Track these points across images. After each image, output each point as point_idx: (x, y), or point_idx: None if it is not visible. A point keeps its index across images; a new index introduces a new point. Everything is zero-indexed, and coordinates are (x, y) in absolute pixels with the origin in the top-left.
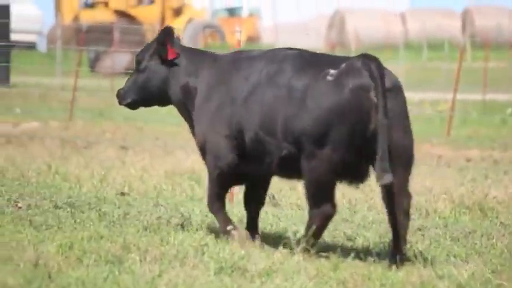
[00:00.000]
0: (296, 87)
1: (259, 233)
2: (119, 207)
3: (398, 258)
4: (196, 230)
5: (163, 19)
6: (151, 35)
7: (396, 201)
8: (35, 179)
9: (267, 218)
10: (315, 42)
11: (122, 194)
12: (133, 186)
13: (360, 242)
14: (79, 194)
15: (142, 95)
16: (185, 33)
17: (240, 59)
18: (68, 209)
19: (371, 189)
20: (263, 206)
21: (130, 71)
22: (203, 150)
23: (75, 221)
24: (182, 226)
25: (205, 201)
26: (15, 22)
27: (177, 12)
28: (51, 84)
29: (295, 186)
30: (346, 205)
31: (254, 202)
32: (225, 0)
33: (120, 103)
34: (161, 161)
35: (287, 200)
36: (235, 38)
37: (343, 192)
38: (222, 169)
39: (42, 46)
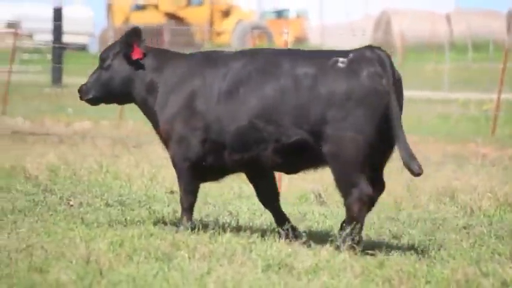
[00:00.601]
0: (302, 76)
1: (296, 228)
2: (168, 205)
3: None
4: (244, 227)
5: (212, 20)
6: (200, 36)
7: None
8: (87, 178)
9: (314, 216)
10: (361, 43)
11: (171, 192)
12: None
13: (405, 240)
14: (129, 192)
15: (104, 92)
16: (233, 35)
17: (213, 57)
18: (119, 207)
19: (416, 188)
20: (279, 197)
21: None
22: (168, 142)
23: (125, 219)
24: (230, 224)
25: (253, 199)
26: (67, 24)
27: (226, 13)
28: None
29: None
30: (392, 203)
31: (268, 197)
32: (273, 2)
33: (81, 98)
34: None
35: (333, 198)
36: (283, 39)
37: (388, 190)
38: (192, 160)
39: (93, 48)
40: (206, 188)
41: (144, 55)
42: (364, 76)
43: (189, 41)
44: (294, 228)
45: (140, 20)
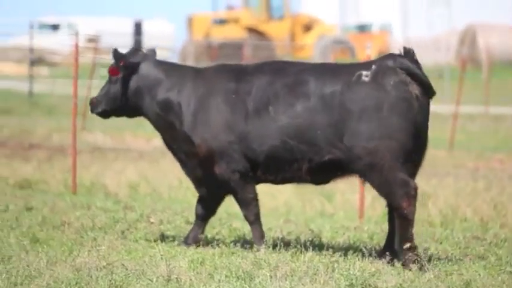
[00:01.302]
0: (330, 94)
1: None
2: None
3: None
4: (327, 246)
5: (293, 35)
6: (281, 51)
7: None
8: (167, 194)
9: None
10: (445, 58)
11: None
12: (263, 202)
13: (491, 260)
14: None
15: (113, 106)
16: (315, 49)
17: (232, 71)
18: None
19: (503, 206)
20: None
21: None
22: (210, 159)
23: (206, 237)
24: (312, 242)
25: (336, 217)
26: (148, 38)
27: (307, 27)
28: None
29: (425, 202)
30: (478, 222)
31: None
32: (356, 16)
33: (92, 111)
34: None
35: (417, 216)
36: (366, 54)
37: (474, 209)
38: (240, 171)
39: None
40: (288, 206)
41: (118, 74)
42: (389, 86)
43: (270, 56)
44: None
45: (221, 34)
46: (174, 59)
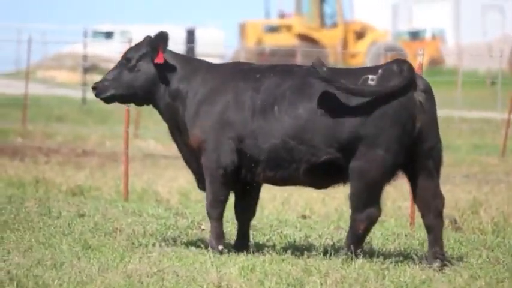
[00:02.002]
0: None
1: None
2: (300, 230)
3: (438, 262)
4: (377, 253)
5: (345, 42)
6: (333, 58)
7: (430, 203)
8: None
9: (449, 243)
10: (498, 65)
11: (303, 216)
12: (314, 209)
13: None
14: (261, 216)
15: (125, 91)
16: (367, 56)
17: (244, 70)
18: (250, 232)
19: None
20: (254, 216)
21: None
22: (201, 150)
23: (256, 244)
24: (363, 249)
25: (387, 225)
26: (200, 46)
27: (360, 35)
28: None
29: (477, 210)
30: None
31: (245, 213)
32: (409, 22)
33: (97, 95)
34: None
35: (469, 224)
36: (418, 61)
37: None
38: (225, 168)
39: None
40: (338, 213)
41: (165, 61)
42: (394, 93)
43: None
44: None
45: (273, 41)
46: None
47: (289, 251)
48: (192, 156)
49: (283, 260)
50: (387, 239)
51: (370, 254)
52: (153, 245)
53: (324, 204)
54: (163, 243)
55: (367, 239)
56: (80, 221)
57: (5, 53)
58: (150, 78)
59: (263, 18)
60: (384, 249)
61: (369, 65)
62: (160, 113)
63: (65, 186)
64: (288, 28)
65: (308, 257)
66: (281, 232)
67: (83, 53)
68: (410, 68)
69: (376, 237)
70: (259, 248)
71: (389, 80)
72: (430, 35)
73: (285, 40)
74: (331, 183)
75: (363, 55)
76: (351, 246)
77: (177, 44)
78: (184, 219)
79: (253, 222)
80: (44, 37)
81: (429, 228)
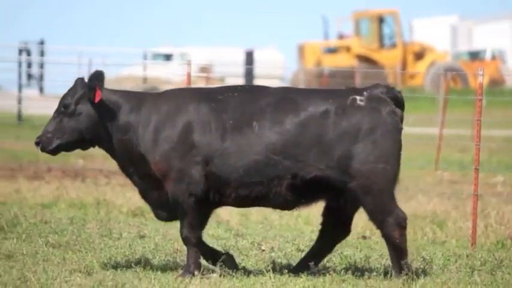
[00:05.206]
0: (321, 113)
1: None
2: (360, 251)
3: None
4: (438, 273)
5: (404, 63)
6: (392, 79)
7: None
8: (278, 222)
9: (511, 263)
10: None
11: (364, 237)
12: (374, 230)
13: None
14: None
15: (70, 138)
16: (426, 77)
17: (200, 92)
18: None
19: None
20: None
21: None
22: (167, 179)
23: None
24: (424, 270)
25: (448, 245)
26: (258, 68)
27: (419, 55)
28: None
29: None
30: None
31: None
32: (468, 43)
33: (43, 150)
34: (402, 204)
35: None
36: (478, 82)
37: None
38: (196, 195)
39: None
40: None
41: (103, 98)
42: (385, 113)
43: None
44: None
45: (332, 62)
46: None
47: (349, 272)
48: (151, 186)
49: (343, 280)
50: (448, 259)
51: (431, 275)
52: (214, 265)
53: None
54: (223, 264)
55: (428, 258)
56: (140, 242)
57: (66, 76)
58: (93, 118)
59: (322, 40)
60: (445, 270)
61: (429, 86)
62: (110, 150)
63: (125, 208)
64: (347, 49)
65: (369, 277)
66: (341, 253)
67: (142, 75)
68: (399, 93)
69: (437, 257)
70: (320, 268)
71: (378, 103)
72: (490, 56)
73: (343, 61)
74: (305, 203)
75: (422, 76)
76: (402, 262)
77: (236, 66)
78: (244, 240)
79: (313, 243)
80: (104, 60)
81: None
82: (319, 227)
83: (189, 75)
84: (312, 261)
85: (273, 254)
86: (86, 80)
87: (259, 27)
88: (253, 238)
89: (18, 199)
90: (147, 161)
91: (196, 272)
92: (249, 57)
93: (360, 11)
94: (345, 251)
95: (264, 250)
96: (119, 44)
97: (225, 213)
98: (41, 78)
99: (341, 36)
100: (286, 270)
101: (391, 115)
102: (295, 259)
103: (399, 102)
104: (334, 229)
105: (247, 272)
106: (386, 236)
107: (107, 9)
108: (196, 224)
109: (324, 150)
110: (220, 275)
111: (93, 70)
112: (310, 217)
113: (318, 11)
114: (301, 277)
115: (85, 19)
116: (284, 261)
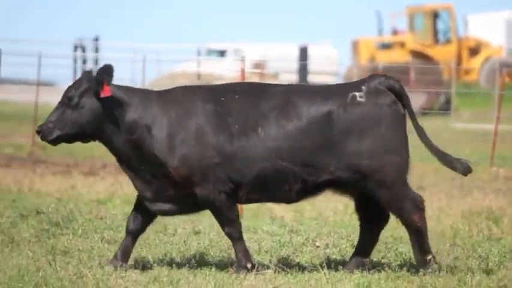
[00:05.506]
0: (325, 115)
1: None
2: None
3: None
4: (494, 271)
5: (459, 58)
6: (447, 75)
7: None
8: (332, 219)
9: None
10: None
11: None
12: (430, 226)
13: None
14: None
15: (71, 130)
16: (481, 73)
17: (205, 92)
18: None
19: None
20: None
21: (426, 111)
22: (191, 182)
23: (371, 261)
24: (480, 267)
25: (504, 242)
26: (312, 63)
27: (474, 51)
28: None
29: None
30: None
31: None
32: None
33: (43, 138)
34: (458, 201)
35: None
36: None
37: None
38: (225, 191)
39: None
40: (454, 230)
41: (112, 93)
42: (385, 106)
43: (436, 80)
44: None
45: (386, 58)
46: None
47: (404, 269)
48: (167, 184)
49: (398, 277)
50: (504, 256)
51: (487, 272)
52: (268, 261)
53: (439, 221)
54: (278, 260)
55: (484, 255)
56: (195, 238)
57: (120, 72)
58: (96, 113)
59: (376, 35)
60: (501, 267)
61: (484, 81)
62: (113, 147)
63: None
64: (401, 45)
65: (424, 274)
66: (396, 249)
67: (196, 72)
68: (399, 82)
69: (493, 254)
70: (375, 265)
71: (377, 96)
72: None
73: (398, 57)
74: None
75: (477, 71)
76: (426, 250)
77: (290, 62)
78: (299, 236)
79: None
80: (157, 56)
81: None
82: (358, 222)
83: (243, 71)
84: (362, 256)
85: (327, 251)
86: (94, 73)
87: (313, 23)
88: (308, 234)
89: (74, 195)
90: (162, 162)
91: (249, 265)
92: (303, 53)
93: (414, 6)
94: (400, 247)
95: (318, 246)
96: (173, 40)
97: (279, 210)
98: None
99: (395, 32)
100: (341, 267)
101: (392, 106)
102: (349, 255)
103: (396, 92)
104: (372, 219)
105: (301, 268)
106: (406, 222)
107: (161, 6)
108: (233, 217)
109: (331, 152)
110: (274, 271)
111: (144, 66)
112: None
113: (372, 7)
114: (356, 273)
115: (139, 15)
116: (339, 258)
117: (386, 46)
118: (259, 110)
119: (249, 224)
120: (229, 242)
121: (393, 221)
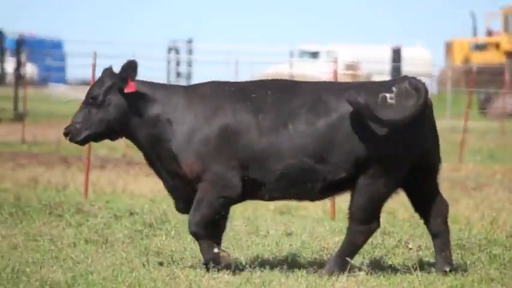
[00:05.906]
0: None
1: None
2: (509, 250)
3: (448, 266)
4: None
5: None
6: None
7: (436, 209)
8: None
9: None
10: None
11: None
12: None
13: None
14: (469, 236)
15: (99, 129)
16: None
17: (231, 89)
18: (458, 251)
19: None
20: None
21: None
22: (200, 179)
23: (464, 263)
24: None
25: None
26: (406, 65)
27: None
28: (441, 126)
29: None
30: None
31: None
32: None
33: (71, 140)
34: None
35: None
36: None
37: None
38: (231, 198)
39: (432, 88)
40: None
41: (136, 89)
42: (415, 111)
43: None
44: None
45: (480, 59)
46: (432, 85)
47: (498, 271)
48: (181, 183)
49: (492, 279)
50: None
51: None
52: (361, 263)
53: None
54: (370, 262)
55: None
56: (287, 240)
57: (214, 74)
58: (122, 109)
59: (470, 37)
60: None
61: None
62: (138, 142)
63: (272, 205)
64: (496, 46)
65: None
66: (490, 252)
67: (289, 73)
68: (425, 87)
69: None
70: (468, 267)
71: (407, 98)
72: None
73: (492, 58)
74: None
75: None
76: (345, 257)
77: (382, 63)
78: (391, 239)
79: (462, 241)
80: (251, 58)
81: (437, 234)
82: (422, 221)
83: (335, 72)
84: (443, 253)
85: (420, 253)
86: (116, 70)
87: (406, 24)
88: (400, 236)
89: (167, 196)
90: (176, 156)
91: (215, 250)
92: (396, 55)
93: (508, 6)
94: (494, 249)
95: (411, 248)
96: (266, 42)
97: None
98: (189, 76)
99: (490, 33)
100: (433, 269)
101: (421, 108)
102: (430, 256)
103: (423, 93)
104: (433, 212)
105: (394, 271)
106: (351, 233)
107: (255, 8)
108: (207, 222)
109: (356, 152)
110: (367, 273)
111: (237, 69)
112: (458, 215)
113: (466, 7)
114: (449, 276)
115: (232, 18)
116: (431, 260)
117: (480, 47)
118: (289, 107)
119: (342, 225)
120: (321, 244)
121: (487, 224)
